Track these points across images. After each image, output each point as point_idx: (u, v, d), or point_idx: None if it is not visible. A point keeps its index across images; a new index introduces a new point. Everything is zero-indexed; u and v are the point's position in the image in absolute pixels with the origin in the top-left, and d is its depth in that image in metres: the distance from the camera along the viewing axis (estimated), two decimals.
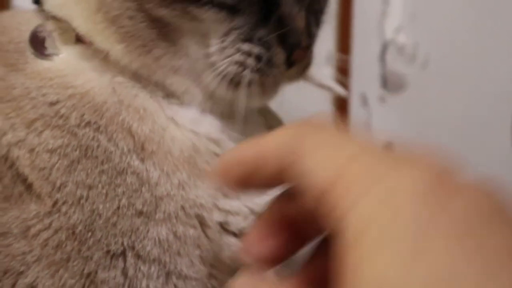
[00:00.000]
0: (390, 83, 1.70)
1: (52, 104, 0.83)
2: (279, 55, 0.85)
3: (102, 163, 0.81)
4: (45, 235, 0.79)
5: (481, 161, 1.79)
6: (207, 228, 0.87)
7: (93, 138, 0.82)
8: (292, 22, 0.85)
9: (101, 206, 0.80)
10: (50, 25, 0.88)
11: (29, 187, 0.81)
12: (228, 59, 0.84)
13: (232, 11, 0.83)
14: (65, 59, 0.87)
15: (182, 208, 0.84)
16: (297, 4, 0.86)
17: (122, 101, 0.84)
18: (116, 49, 0.84)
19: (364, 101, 1.69)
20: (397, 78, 1.70)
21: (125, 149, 0.82)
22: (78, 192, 0.80)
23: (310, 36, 0.90)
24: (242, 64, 0.84)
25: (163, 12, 0.81)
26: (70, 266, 0.79)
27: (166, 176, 0.83)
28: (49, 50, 0.87)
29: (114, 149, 0.82)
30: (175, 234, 0.84)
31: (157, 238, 0.82)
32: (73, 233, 0.79)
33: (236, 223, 0.89)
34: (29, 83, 0.84)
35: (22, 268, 0.79)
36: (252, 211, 0.90)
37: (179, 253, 0.84)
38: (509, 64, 1.73)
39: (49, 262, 0.79)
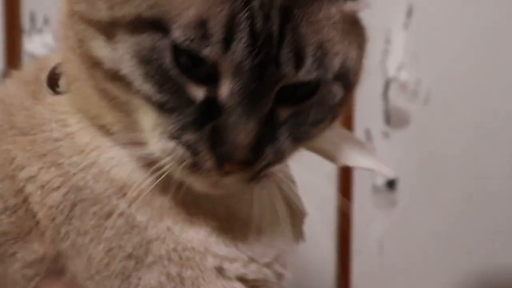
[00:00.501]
0: (393, 118, 1.73)
1: (56, 140, 0.87)
2: (208, 162, 0.79)
3: (91, 205, 0.84)
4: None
5: (483, 195, 1.81)
6: (203, 271, 0.89)
7: (82, 179, 0.86)
8: (229, 135, 0.78)
9: (94, 251, 0.84)
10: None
11: (37, 223, 0.85)
12: (157, 148, 0.81)
13: (160, 106, 0.79)
14: (67, 98, 0.91)
15: (174, 250, 0.87)
16: (247, 116, 0.78)
17: (99, 146, 0.87)
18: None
19: (369, 136, 1.72)
20: (400, 114, 1.72)
21: (109, 192, 0.86)
22: (79, 241, 0.84)
23: (258, 151, 0.81)
24: (168, 159, 0.81)
25: (107, 86, 0.82)
26: None
27: (153, 221, 0.86)
28: (60, 88, 0.91)
29: (100, 191, 0.85)
30: (168, 275, 0.86)
31: (149, 285, 0.85)
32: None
33: (235, 269, 0.90)
34: (45, 113, 0.89)
35: None
36: (252, 259, 0.92)
37: None
38: (509, 99, 1.75)
39: None
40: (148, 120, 0.82)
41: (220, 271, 0.89)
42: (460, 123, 1.74)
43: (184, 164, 0.80)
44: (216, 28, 0.75)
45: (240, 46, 0.76)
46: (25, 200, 0.85)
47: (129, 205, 0.85)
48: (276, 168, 0.85)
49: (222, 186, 0.83)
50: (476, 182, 1.76)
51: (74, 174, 0.85)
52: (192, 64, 0.78)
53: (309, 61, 0.78)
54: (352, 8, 0.85)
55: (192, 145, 0.79)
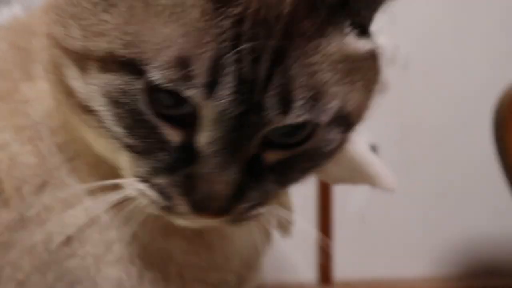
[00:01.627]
0: None
1: (37, 123, 0.85)
2: (181, 207, 0.76)
3: (60, 191, 0.83)
4: (10, 248, 0.83)
5: (462, 159, 1.81)
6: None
7: (56, 168, 0.84)
8: (204, 185, 0.74)
9: (55, 230, 0.83)
10: None
11: (1, 191, 0.84)
12: (130, 188, 0.78)
13: (131, 149, 0.76)
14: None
15: (138, 256, 0.87)
16: (225, 166, 0.74)
17: (79, 150, 0.86)
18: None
19: None
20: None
21: (78, 187, 0.84)
22: (43, 215, 0.82)
23: (237, 199, 0.76)
24: (141, 199, 0.78)
25: (81, 117, 0.78)
26: (31, 282, 0.83)
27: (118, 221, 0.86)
28: None
29: (70, 183, 0.84)
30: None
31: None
32: (32, 251, 0.83)
33: (192, 273, 0.91)
34: (30, 95, 0.86)
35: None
36: (212, 267, 0.92)
37: None
38: (489, 63, 1.74)
39: (17, 280, 0.83)
40: (123, 158, 0.79)
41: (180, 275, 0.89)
42: (439, 88, 1.73)
43: (156, 206, 0.77)
44: (200, 70, 0.70)
45: (224, 92, 0.71)
46: None
47: (96, 205, 0.82)
48: (264, 210, 0.80)
49: (200, 223, 0.80)
50: (457, 147, 1.76)
51: (50, 162, 0.84)
52: (170, 104, 0.73)
53: (297, 104, 0.72)
54: (354, 47, 0.78)
55: (164, 189, 0.76)
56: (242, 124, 0.73)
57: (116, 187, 0.80)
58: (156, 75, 0.70)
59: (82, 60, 0.75)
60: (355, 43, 0.78)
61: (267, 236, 0.96)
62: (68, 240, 0.84)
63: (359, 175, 1.00)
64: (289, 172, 0.80)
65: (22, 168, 0.84)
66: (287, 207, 0.93)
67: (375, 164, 1.02)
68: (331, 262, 1.72)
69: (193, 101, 0.71)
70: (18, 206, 0.83)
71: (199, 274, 0.90)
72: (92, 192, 0.83)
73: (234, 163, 0.74)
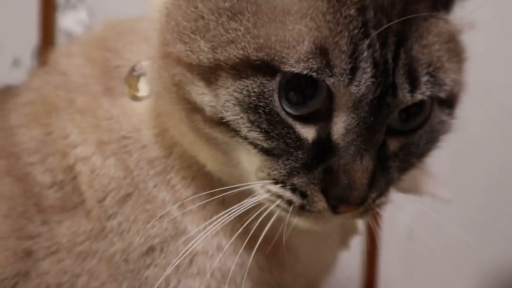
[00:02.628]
0: None
1: (124, 137, 0.90)
2: (319, 204, 0.77)
3: (145, 203, 0.88)
4: (89, 257, 0.87)
5: None
6: None
7: (143, 181, 0.88)
8: (345, 176, 0.75)
9: (137, 240, 0.87)
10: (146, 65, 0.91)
11: (82, 202, 0.89)
12: (261, 192, 0.80)
13: (267, 152, 0.78)
14: (146, 105, 0.92)
15: (219, 270, 0.89)
16: (363, 154, 0.76)
17: (173, 166, 0.89)
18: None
19: None
20: None
21: (166, 199, 0.88)
22: (124, 225, 0.87)
23: (373, 188, 0.78)
24: (273, 202, 0.79)
25: (207, 130, 0.80)
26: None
27: (205, 234, 0.85)
28: (141, 93, 0.91)
29: (157, 196, 0.88)
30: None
31: None
32: (111, 260, 0.87)
33: None
34: (113, 111, 0.91)
35: (72, 287, 0.87)
36: (279, 284, 0.94)
37: None
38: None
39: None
40: (252, 163, 0.81)
41: None
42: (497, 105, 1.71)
43: (291, 208, 0.78)
44: (339, 57, 0.73)
45: (365, 76, 0.74)
46: (74, 178, 0.89)
47: (185, 215, 0.87)
48: (386, 199, 0.83)
49: (328, 223, 0.82)
50: (506, 170, 1.74)
51: (137, 175, 0.88)
52: (299, 103, 0.76)
53: (423, 80, 0.77)
54: (456, 28, 0.84)
55: (301, 188, 0.77)
56: (378, 108, 0.76)
57: (223, 200, 0.84)
58: (297, 68, 0.73)
59: (210, 72, 0.77)
60: (454, 23, 0.84)
61: (335, 257, 0.99)
62: (149, 250, 0.87)
63: (420, 186, 1.02)
64: (409, 158, 0.83)
65: (104, 181, 0.88)
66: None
67: (430, 175, 1.02)
68: (377, 278, 1.72)
69: (335, 88, 0.74)
70: (100, 217, 0.87)
71: None
72: (183, 205, 0.87)
73: (369, 151, 0.76)
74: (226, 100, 0.76)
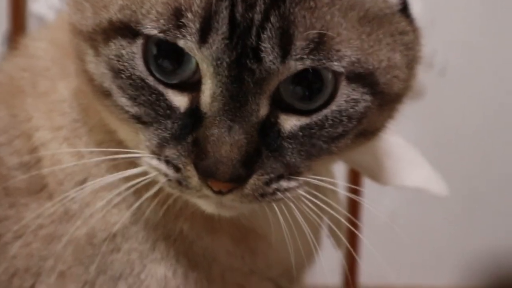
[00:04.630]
0: None
1: (74, 120, 0.90)
2: (192, 179, 0.74)
3: (101, 189, 0.84)
4: (55, 240, 0.85)
5: (497, 168, 1.78)
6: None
7: (96, 166, 0.87)
8: (210, 148, 0.71)
9: (98, 226, 0.85)
10: None
11: (46, 185, 0.87)
12: (143, 165, 0.78)
13: (137, 120, 0.76)
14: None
15: (185, 254, 0.87)
16: (230, 125, 0.72)
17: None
18: None
19: None
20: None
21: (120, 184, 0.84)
22: (85, 210, 0.85)
23: (251, 166, 0.74)
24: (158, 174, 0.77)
25: (101, 102, 0.80)
26: (72, 274, 0.85)
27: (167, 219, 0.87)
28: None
29: (112, 181, 0.83)
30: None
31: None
32: (77, 244, 0.85)
33: (232, 277, 0.90)
34: (66, 94, 0.90)
35: (40, 270, 0.85)
36: (252, 271, 0.92)
37: None
38: None
39: (59, 271, 0.85)
40: (133, 136, 0.80)
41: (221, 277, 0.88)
42: (477, 96, 1.70)
43: (169, 182, 0.76)
44: (192, 18, 0.71)
45: (217, 37, 0.71)
46: (38, 162, 0.88)
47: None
48: (293, 184, 0.77)
49: (229, 207, 0.79)
50: (492, 157, 1.73)
51: (88, 159, 0.86)
52: (172, 69, 0.74)
53: (299, 45, 0.71)
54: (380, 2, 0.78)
55: (173, 160, 0.75)
56: (241, 74, 0.72)
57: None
58: (149, 29, 0.72)
59: (93, 39, 0.77)
60: None
61: (315, 248, 0.94)
62: (113, 236, 0.85)
63: (403, 178, 0.98)
64: (314, 141, 0.77)
65: (61, 166, 0.86)
66: (336, 209, 0.88)
67: (425, 167, 0.98)
68: (357, 266, 1.70)
69: (190, 51, 0.72)
70: (62, 199, 0.84)
71: (240, 278, 0.91)
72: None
73: (239, 124, 0.72)
74: (102, 67, 0.76)
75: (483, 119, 1.74)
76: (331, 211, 0.84)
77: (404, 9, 0.82)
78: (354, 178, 1.52)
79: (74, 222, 0.84)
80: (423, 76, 1.67)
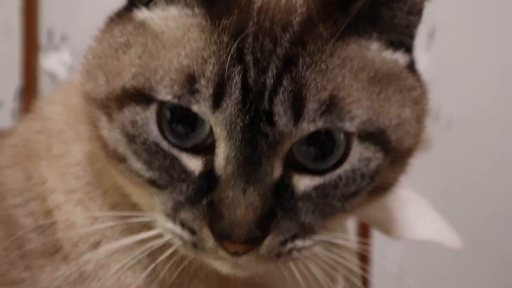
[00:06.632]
0: None
1: (88, 183, 0.90)
2: (208, 241, 0.74)
3: (116, 252, 0.84)
4: None
5: (506, 220, 1.77)
6: None
7: (110, 228, 0.86)
8: (225, 210, 0.72)
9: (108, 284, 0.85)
10: None
11: (61, 247, 0.87)
12: (158, 228, 0.79)
13: (152, 184, 0.77)
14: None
15: None
16: (245, 188, 0.72)
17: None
18: None
19: None
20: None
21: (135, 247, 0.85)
22: (99, 272, 0.85)
23: (266, 227, 0.74)
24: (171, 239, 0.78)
25: (114, 168, 0.81)
26: None
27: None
28: None
29: (126, 244, 0.84)
30: None
31: None
32: None
33: None
34: (80, 157, 0.90)
35: None
36: None
37: None
38: None
39: None
40: (147, 199, 0.80)
41: None
42: (483, 148, 1.70)
43: (184, 245, 0.76)
44: (205, 83, 0.72)
45: (231, 102, 0.72)
46: (53, 224, 0.88)
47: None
48: (308, 243, 0.77)
49: (244, 267, 0.78)
50: (499, 206, 1.73)
51: (102, 222, 0.86)
52: (186, 133, 0.75)
53: (310, 108, 0.72)
54: (381, 57, 0.79)
55: (188, 223, 0.75)
56: (254, 137, 0.72)
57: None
58: (163, 95, 0.73)
59: (106, 106, 0.78)
60: (381, 53, 0.79)
61: None
62: None
63: (394, 225, 0.97)
64: (328, 200, 0.77)
65: (76, 228, 0.86)
66: (352, 264, 0.87)
67: (436, 220, 0.99)
68: None
69: (204, 116, 0.73)
70: (77, 262, 0.84)
71: None
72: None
73: (254, 186, 0.73)
74: (116, 133, 0.77)
75: (489, 168, 1.74)
76: (347, 266, 0.84)
77: (411, 65, 0.83)
78: (363, 229, 1.52)
79: (89, 284, 0.84)
80: (429, 128, 1.69)
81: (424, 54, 1.68)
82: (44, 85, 1.56)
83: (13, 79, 1.57)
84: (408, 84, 0.81)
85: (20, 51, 1.57)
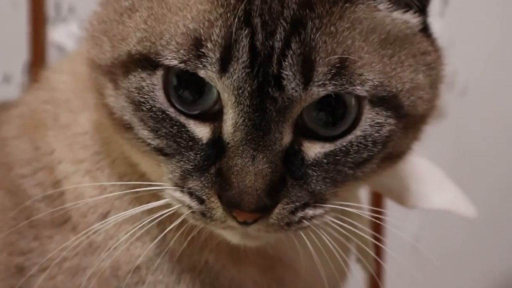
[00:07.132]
0: None
1: (96, 153, 0.90)
2: (216, 211, 0.74)
3: (124, 222, 0.84)
4: (79, 273, 0.85)
5: None
6: None
7: (119, 198, 0.86)
8: (234, 178, 0.71)
9: (122, 259, 0.85)
10: None
11: (70, 217, 0.87)
12: (166, 198, 0.78)
13: (159, 152, 0.76)
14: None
15: (212, 285, 0.86)
16: (254, 155, 0.71)
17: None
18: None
19: None
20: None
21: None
22: (109, 242, 0.84)
23: (276, 197, 0.73)
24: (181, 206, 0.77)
25: (121, 136, 0.81)
26: None
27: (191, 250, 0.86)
28: None
29: (134, 214, 0.83)
30: None
31: None
32: (101, 276, 0.84)
33: None
34: (88, 126, 0.90)
35: None
36: None
37: None
38: None
39: None
40: (155, 168, 0.80)
41: None
42: (497, 116, 1.68)
43: (192, 214, 0.76)
44: (212, 47, 0.71)
45: (238, 66, 0.71)
46: (61, 195, 0.88)
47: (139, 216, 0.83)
48: (319, 212, 0.76)
49: (254, 237, 0.78)
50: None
51: (111, 192, 0.85)
52: (194, 100, 0.74)
53: (320, 72, 0.70)
54: (392, 19, 0.77)
55: (197, 192, 0.74)
56: (263, 102, 0.71)
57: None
58: (169, 60, 0.72)
59: (112, 73, 0.77)
60: (391, 13, 0.78)
61: (343, 274, 0.93)
62: (137, 268, 0.85)
63: (430, 200, 0.96)
64: (339, 168, 0.76)
65: (84, 199, 0.86)
66: (364, 233, 0.88)
67: (452, 189, 0.97)
68: None
69: (211, 81, 0.72)
70: (86, 232, 0.83)
71: None
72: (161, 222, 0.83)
73: (263, 153, 0.72)
74: (122, 100, 0.76)
75: (504, 136, 1.73)
76: (359, 235, 0.84)
77: (425, 29, 0.82)
78: (377, 200, 1.51)
79: (98, 254, 0.84)
80: (444, 95, 1.67)
81: (438, 21, 1.65)
82: (52, 58, 1.55)
83: (21, 53, 1.56)
84: (422, 48, 0.80)
85: (27, 24, 1.56)
